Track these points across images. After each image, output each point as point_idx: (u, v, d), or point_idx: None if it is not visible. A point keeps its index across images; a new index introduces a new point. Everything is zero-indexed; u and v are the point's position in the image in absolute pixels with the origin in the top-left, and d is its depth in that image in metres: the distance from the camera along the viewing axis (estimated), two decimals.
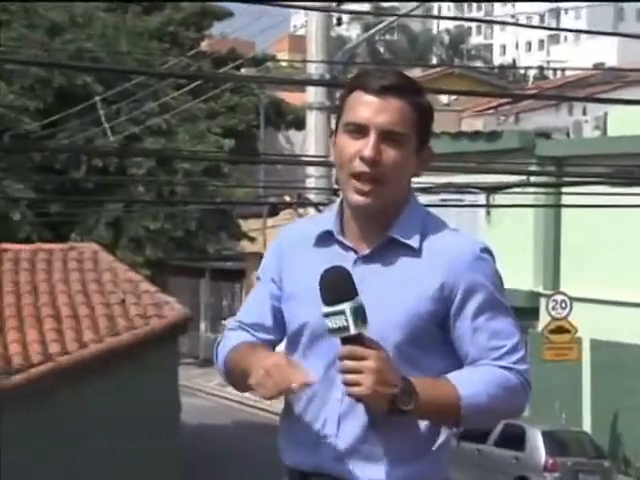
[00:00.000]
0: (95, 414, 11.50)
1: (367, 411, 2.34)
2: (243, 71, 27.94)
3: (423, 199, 15.21)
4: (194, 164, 22.75)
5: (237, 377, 2.46)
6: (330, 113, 11.90)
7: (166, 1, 26.38)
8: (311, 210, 11.82)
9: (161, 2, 27.10)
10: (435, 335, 2.43)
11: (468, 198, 18.89)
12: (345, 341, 2.27)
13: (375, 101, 2.40)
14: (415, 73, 32.61)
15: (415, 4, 15.24)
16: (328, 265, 2.37)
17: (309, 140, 12.12)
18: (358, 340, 2.27)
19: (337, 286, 2.29)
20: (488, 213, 21.67)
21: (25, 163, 21.70)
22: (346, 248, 2.47)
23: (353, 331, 2.25)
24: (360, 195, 2.40)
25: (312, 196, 11.90)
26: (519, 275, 20.34)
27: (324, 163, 11.62)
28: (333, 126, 2.55)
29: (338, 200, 2.56)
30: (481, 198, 19.70)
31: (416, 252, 2.44)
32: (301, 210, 12.58)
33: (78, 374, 11.55)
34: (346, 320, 2.25)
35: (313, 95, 11.98)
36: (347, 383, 2.27)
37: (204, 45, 28.24)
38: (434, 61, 64.90)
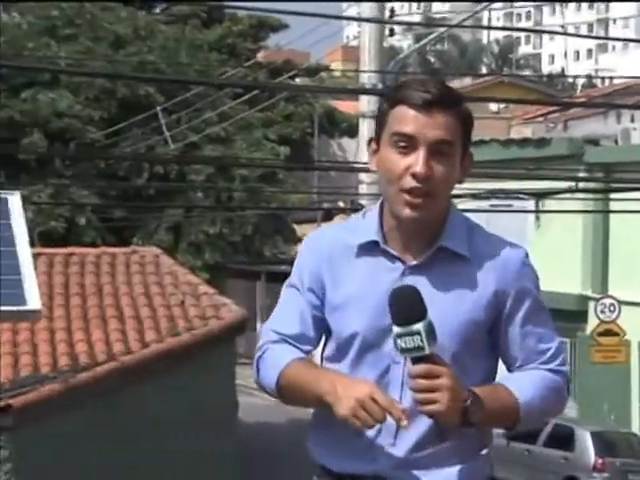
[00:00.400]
0: (155, 413, 11.59)
1: (434, 424, 2.27)
2: (298, 81, 28.02)
3: (473, 204, 15.19)
4: (251, 171, 22.84)
5: (299, 396, 2.38)
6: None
7: (179, 1, 26.46)
8: None
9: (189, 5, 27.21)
10: (484, 340, 2.42)
11: (517, 204, 18.81)
12: (416, 360, 2.22)
13: (421, 116, 2.33)
14: (465, 82, 32.52)
15: (466, 15, 15.19)
16: (377, 276, 2.36)
17: (362, 147, 12.14)
18: (430, 358, 2.22)
19: (409, 306, 2.23)
20: (537, 218, 21.54)
21: (90, 170, 21.94)
22: (393, 259, 2.41)
23: (428, 351, 2.20)
24: (412, 209, 2.34)
25: (364, 202, 11.91)
26: (568, 279, 20.22)
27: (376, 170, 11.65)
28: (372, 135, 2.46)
29: (374, 209, 2.48)
30: (530, 204, 19.60)
31: (466, 260, 2.40)
32: (354, 215, 12.57)
33: (140, 373, 11.65)
34: (421, 340, 2.19)
35: (366, 104, 12.00)
36: (423, 402, 2.22)
37: (260, 56, 28.37)
38: (484, 70, 64.59)
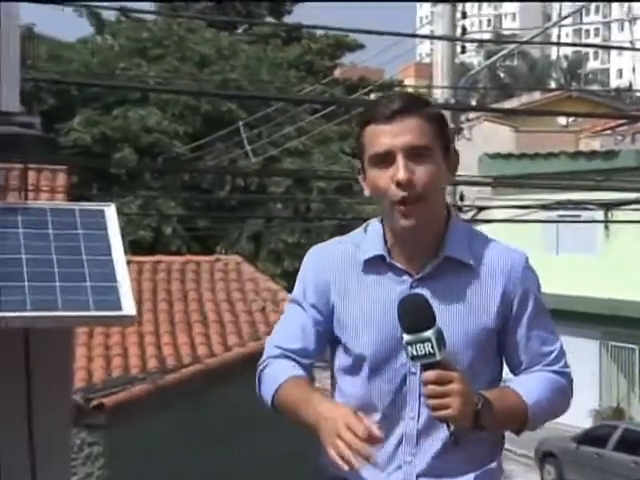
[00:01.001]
0: (242, 414, 11.63)
1: (448, 429, 2.24)
2: (373, 96, 28.00)
3: (542, 215, 14.94)
4: (328, 183, 22.90)
5: (290, 415, 2.32)
6: (454, 134, 11.87)
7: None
8: None
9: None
10: (493, 345, 2.39)
11: (586, 215, 18.57)
12: (428, 366, 2.18)
13: (390, 127, 2.29)
14: (534, 97, 32.17)
15: (535, 32, 15.07)
16: (385, 290, 2.33)
17: None
18: (440, 364, 2.18)
19: (419, 314, 2.18)
20: (606, 228, 21.24)
21: (176, 183, 22.19)
22: (400, 272, 2.35)
23: (439, 357, 2.16)
24: (406, 218, 2.29)
25: None
26: (637, 287, 19.88)
27: (449, 181, 11.60)
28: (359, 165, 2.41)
29: (375, 223, 2.44)
30: (599, 215, 19.34)
31: (471, 268, 2.35)
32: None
33: (224, 375, 11.73)
34: (432, 347, 2.15)
35: None
36: (435, 407, 2.18)
37: (337, 73, 28.44)
38: (552, 85, 63.90)
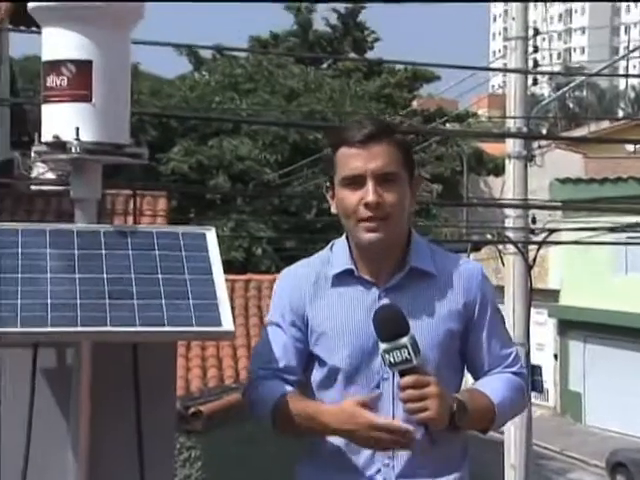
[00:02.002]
0: None
1: (425, 430, 2.22)
2: (448, 126, 27.91)
3: (611, 237, 14.68)
4: None
5: (294, 428, 2.32)
6: (527, 161, 11.76)
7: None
8: (510, 247, 11.67)
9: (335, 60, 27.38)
10: (457, 349, 2.38)
11: None
12: (404, 372, 2.17)
13: (362, 151, 2.29)
14: (603, 125, 31.71)
15: (604, 64, 14.89)
16: (355, 302, 2.31)
17: (508, 185, 11.99)
18: (416, 369, 2.17)
19: (394, 323, 2.17)
20: None
21: (266, 207, 22.36)
22: (367, 284, 2.35)
23: (415, 362, 2.15)
24: (370, 232, 2.29)
25: (511, 234, 11.75)
26: None
27: (522, 205, 11.48)
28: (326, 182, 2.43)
29: (340, 242, 2.44)
30: None
31: (435, 278, 2.36)
32: (500, 246, 12.41)
33: None
34: (408, 353, 2.14)
35: (512, 146, 11.88)
36: (414, 410, 2.17)
37: (415, 104, 28.41)
38: (620, 114, 62.89)
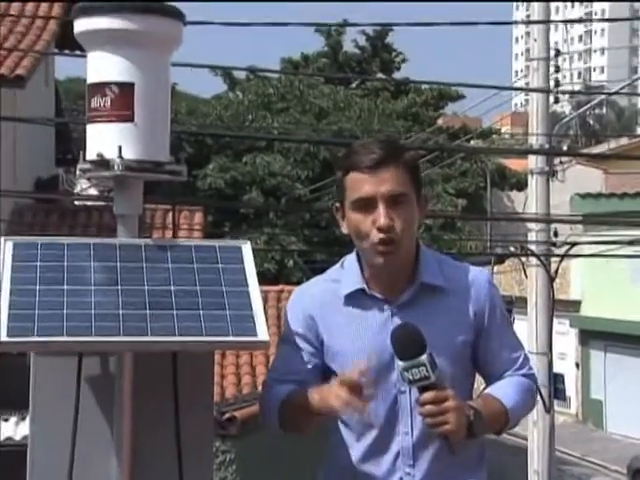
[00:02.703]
0: None
1: (445, 441, 2.20)
2: (473, 143, 27.84)
3: (630, 250, 14.53)
4: (433, 220, 22.78)
5: (295, 420, 2.31)
6: (549, 177, 11.70)
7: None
8: (533, 260, 11.60)
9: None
10: (469, 356, 2.37)
11: None
12: (423, 388, 2.16)
13: (371, 177, 2.27)
14: (622, 142, 31.49)
15: (623, 83, 14.80)
16: (368, 320, 2.29)
17: (531, 199, 11.93)
18: (434, 385, 2.15)
19: (411, 341, 2.16)
20: None
21: (297, 221, 22.38)
22: (379, 302, 2.33)
23: (433, 379, 2.14)
24: (384, 256, 2.28)
25: (533, 247, 11.68)
26: None
27: (544, 219, 11.42)
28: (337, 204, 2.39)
29: (351, 258, 2.42)
30: None
31: (444, 290, 2.34)
32: (523, 259, 12.34)
33: None
34: (427, 371, 2.13)
35: (534, 162, 11.83)
36: (434, 425, 2.16)
37: (440, 122, 28.36)
38: (639, 131, 62.42)
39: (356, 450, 2.32)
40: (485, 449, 2.42)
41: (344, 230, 2.38)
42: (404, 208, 2.30)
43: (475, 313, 2.36)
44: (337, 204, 2.39)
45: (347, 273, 2.40)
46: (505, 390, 2.37)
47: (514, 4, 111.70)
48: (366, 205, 2.29)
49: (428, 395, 2.15)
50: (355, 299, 2.35)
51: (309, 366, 2.37)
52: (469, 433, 2.21)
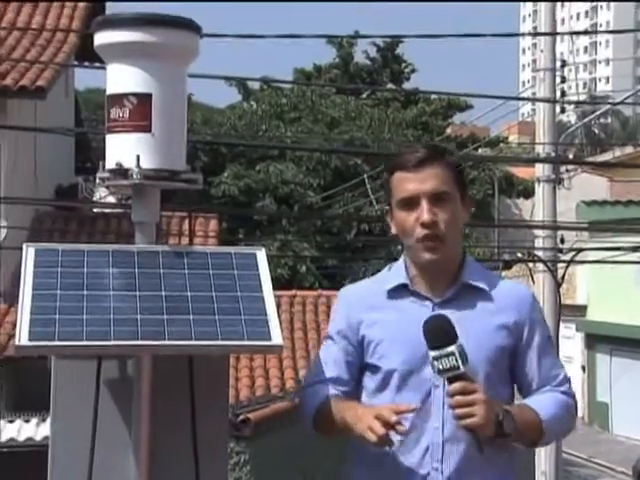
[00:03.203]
0: None
1: (473, 437, 2.17)
2: (480, 151, 27.79)
3: (635, 256, 14.41)
4: None
5: (331, 427, 2.33)
6: (555, 184, 11.67)
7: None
8: (540, 265, 11.57)
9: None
10: (506, 365, 2.34)
11: None
12: (452, 379, 2.14)
13: (416, 174, 2.30)
14: (627, 150, 31.38)
15: (627, 93, 14.77)
16: (409, 313, 2.29)
17: (537, 207, 11.91)
18: (463, 377, 2.14)
19: (443, 331, 2.15)
20: None
21: (310, 228, 22.39)
22: (421, 298, 2.34)
23: (462, 369, 2.12)
24: (430, 252, 2.29)
25: (540, 253, 11.65)
26: None
27: (551, 226, 11.39)
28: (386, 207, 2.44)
29: (396, 263, 2.43)
30: None
31: (487, 294, 2.33)
32: (530, 265, 12.31)
33: None
34: (456, 360, 2.11)
35: (541, 170, 11.81)
36: (461, 416, 2.14)
37: (449, 131, 28.33)
38: None
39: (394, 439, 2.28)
40: (513, 459, 2.36)
41: (393, 231, 2.40)
42: (447, 206, 2.31)
43: (516, 322, 2.33)
44: (387, 207, 2.42)
45: (392, 273, 2.42)
46: (542, 403, 2.32)
47: (521, 16, 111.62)
48: (410, 203, 2.31)
49: (457, 385, 2.14)
50: (398, 294, 2.36)
51: (344, 365, 2.38)
52: (498, 432, 2.17)
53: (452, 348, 2.13)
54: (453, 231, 2.32)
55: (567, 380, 2.40)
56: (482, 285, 2.34)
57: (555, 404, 2.33)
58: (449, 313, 2.27)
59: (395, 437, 2.21)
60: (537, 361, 2.35)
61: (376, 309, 2.37)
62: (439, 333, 2.16)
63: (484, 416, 2.13)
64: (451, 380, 2.15)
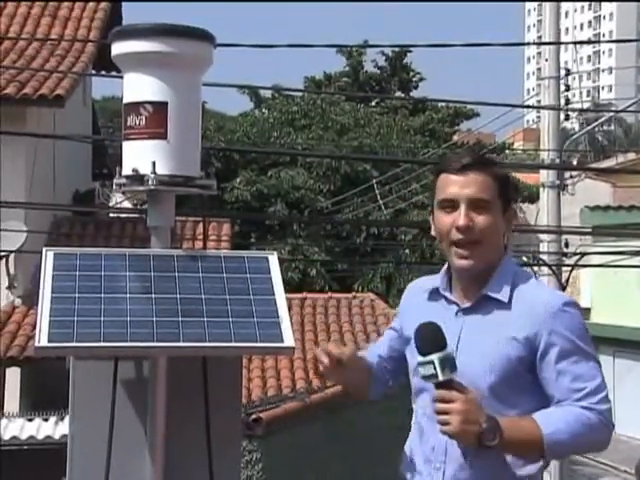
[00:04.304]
0: (376, 430, 11.49)
1: (458, 444, 2.19)
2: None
3: (637, 260, 14.40)
4: None
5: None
6: (559, 190, 11.64)
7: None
8: (544, 269, 11.53)
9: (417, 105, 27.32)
10: (525, 377, 2.24)
11: None
12: (438, 386, 2.14)
13: (459, 178, 2.28)
14: (629, 156, 31.27)
15: (630, 101, 14.72)
16: (435, 316, 2.26)
17: (542, 212, 11.88)
18: (449, 384, 2.12)
19: (428, 339, 2.15)
20: None
21: (320, 232, 22.38)
22: (450, 302, 2.33)
23: (441, 378, 2.11)
24: (462, 259, 2.27)
25: (545, 257, 11.62)
26: None
27: (555, 231, 11.36)
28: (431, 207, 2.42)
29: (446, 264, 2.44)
30: None
31: (506, 305, 2.27)
32: (535, 268, 12.27)
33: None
34: (434, 369, 2.11)
35: (546, 176, 11.78)
36: (439, 422, 2.14)
37: (456, 138, 28.29)
38: None
39: (410, 439, 2.37)
40: (525, 466, 2.25)
41: (433, 232, 2.39)
42: (486, 214, 2.27)
43: (532, 334, 2.23)
44: (430, 209, 2.41)
45: (441, 274, 2.42)
46: (551, 417, 2.20)
47: (526, 26, 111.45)
48: (450, 206, 2.29)
49: (437, 392, 2.15)
50: (434, 296, 2.38)
51: (389, 352, 2.48)
52: (480, 444, 2.12)
53: (432, 357, 2.12)
54: (489, 239, 2.27)
55: (594, 394, 2.22)
56: (502, 297, 2.29)
57: (567, 418, 2.19)
58: (468, 320, 2.29)
59: (419, 432, 2.32)
60: (556, 375, 2.23)
61: (417, 307, 2.40)
62: (425, 340, 2.16)
63: (457, 426, 2.10)
64: (437, 386, 2.15)
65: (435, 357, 2.11)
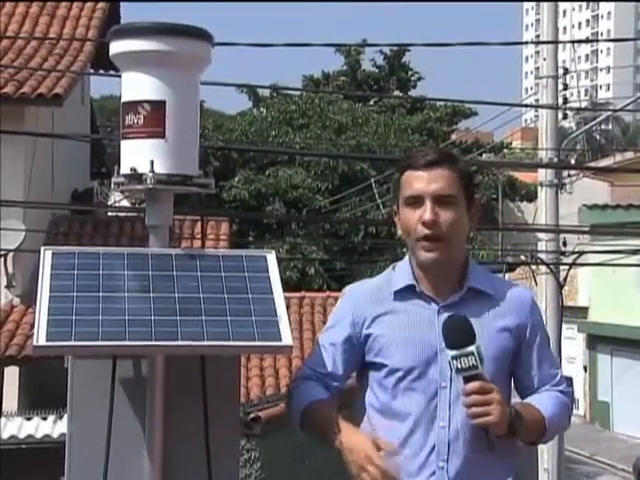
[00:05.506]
0: None
1: (486, 435, 2.17)
2: (485, 157, 27.75)
3: (635, 259, 14.42)
4: None
5: (316, 437, 2.32)
6: (557, 189, 11.64)
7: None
8: (542, 268, 11.54)
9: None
10: (509, 365, 2.34)
11: None
12: (467, 379, 2.14)
13: (424, 174, 2.30)
14: (627, 155, 31.30)
15: (628, 100, 14.73)
16: (415, 315, 2.28)
17: (540, 210, 11.89)
18: (479, 377, 2.14)
19: (462, 331, 2.16)
20: None
21: (318, 231, 22.39)
22: (427, 299, 2.32)
23: (480, 369, 2.13)
24: (428, 252, 2.28)
25: (543, 256, 11.63)
26: None
27: (553, 230, 11.37)
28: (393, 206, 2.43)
29: (401, 263, 2.41)
30: None
31: (491, 297, 2.33)
32: (533, 267, 12.28)
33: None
34: (475, 360, 2.12)
35: (544, 175, 11.79)
36: (477, 415, 2.13)
37: (454, 137, 28.31)
38: None
39: (400, 440, 2.27)
40: (516, 458, 2.34)
41: (399, 232, 2.38)
42: (452, 210, 2.29)
43: (518, 325, 2.33)
44: (395, 208, 2.40)
45: (398, 273, 2.39)
46: (544, 402, 2.33)
47: (524, 25, 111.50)
48: (415, 202, 2.30)
49: (475, 384, 2.14)
50: (404, 295, 2.34)
51: (341, 361, 2.36)
52: (509, 431, 2.18)
53: (472, 348, 2.13)
54: (455, 234, 2.30)
55: (564, 379, 2.41)
56: (486, 289, 2.34)
57: (555, 403, 2.34)
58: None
59: (397, 438, 2.22)
60: (537, 361, 2.35)
61: (382, 309, 2.34)
62: (459, 333, 2.16)
63: (499, 415, 2.14)
64: (467, 379, 2.15)
65: (474, 348, 2.13)
